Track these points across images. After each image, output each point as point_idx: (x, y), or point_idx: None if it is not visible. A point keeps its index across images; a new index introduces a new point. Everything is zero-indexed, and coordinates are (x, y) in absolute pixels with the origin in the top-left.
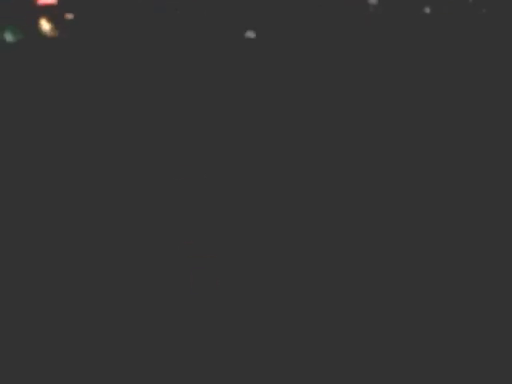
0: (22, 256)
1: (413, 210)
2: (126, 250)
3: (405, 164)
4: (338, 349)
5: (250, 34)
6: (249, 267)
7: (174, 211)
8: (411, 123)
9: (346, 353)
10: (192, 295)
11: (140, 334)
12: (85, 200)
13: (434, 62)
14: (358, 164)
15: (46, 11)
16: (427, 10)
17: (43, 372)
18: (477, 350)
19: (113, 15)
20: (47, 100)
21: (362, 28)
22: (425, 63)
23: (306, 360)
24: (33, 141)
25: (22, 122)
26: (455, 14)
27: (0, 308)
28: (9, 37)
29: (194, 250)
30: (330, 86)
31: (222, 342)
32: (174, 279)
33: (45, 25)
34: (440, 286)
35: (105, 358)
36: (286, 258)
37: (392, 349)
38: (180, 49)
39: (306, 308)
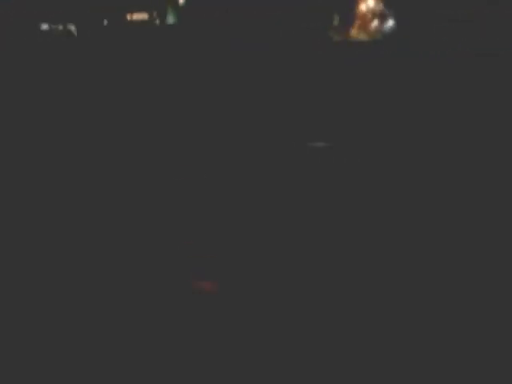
0: (22, 255)
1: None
2: (126, 250)
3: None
4: (337, 350)
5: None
6: (248, 267)
7: (174, 211)
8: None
9: (345, 353)
10: (192, 295)
11: (140, 334)
12: (85, 200)
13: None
14: (356, 164)
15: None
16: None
17: (43, 371)
18: (475, 349)
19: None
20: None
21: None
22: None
23: (307, 362)
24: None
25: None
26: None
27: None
28: (170, 19)
29: (194, 250)
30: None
31: (221, 341)
32: (174, 279)
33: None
34: (438, 281)
35: (104, 357)
36: (285, 257)
37: (390, 346)
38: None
39: (306, 308)
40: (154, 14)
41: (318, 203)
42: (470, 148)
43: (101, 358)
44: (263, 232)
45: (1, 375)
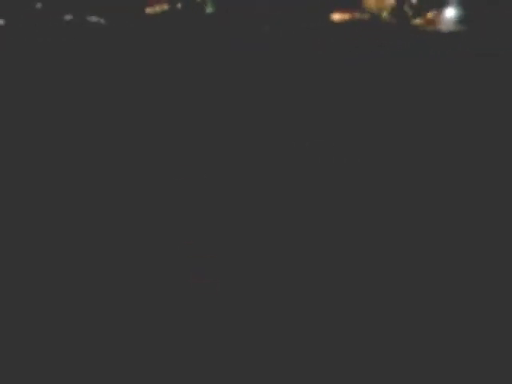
0: (22, 255)
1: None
2: (126, 250)
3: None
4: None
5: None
6: (248, 267)
7: (174, 211)
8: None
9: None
10: (192, 295)
11: (139, 334)
12: (85, 199)
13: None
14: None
15: None
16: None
17: (42, 372)
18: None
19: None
20: None
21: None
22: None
23: (306, 362)
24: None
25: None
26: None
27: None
28: (209, 8)
29: (194, 250)
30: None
31: (221, 341)
32: (174, 279)
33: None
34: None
35: (104, 358)
36: (285, 257)
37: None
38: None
39: (306, 308)
40: (179, 5)
41: (317, 203)
42: (471, 148)
43: (101, 358)
44: (263, 232)
45: (1, 375)
